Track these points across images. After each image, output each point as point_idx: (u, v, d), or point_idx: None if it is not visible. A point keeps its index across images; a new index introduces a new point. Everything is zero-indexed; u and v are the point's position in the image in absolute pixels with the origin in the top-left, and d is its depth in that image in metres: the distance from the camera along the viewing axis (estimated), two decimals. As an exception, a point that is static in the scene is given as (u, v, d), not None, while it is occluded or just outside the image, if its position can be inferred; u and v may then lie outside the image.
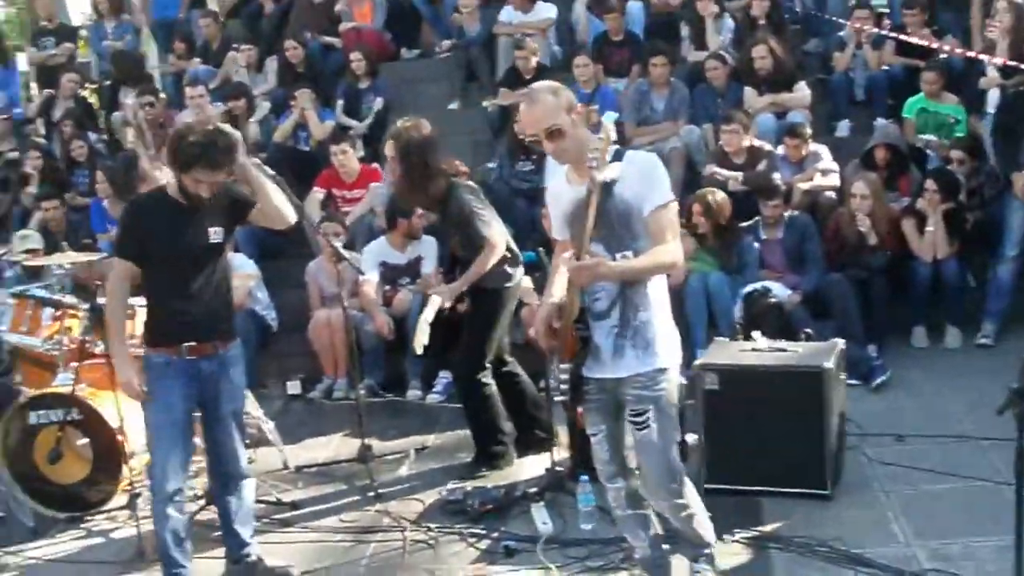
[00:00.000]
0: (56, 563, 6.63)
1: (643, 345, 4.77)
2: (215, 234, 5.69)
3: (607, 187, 4.59)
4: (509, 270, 7.16)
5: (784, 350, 6.66)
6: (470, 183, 7.23)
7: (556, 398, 7.32)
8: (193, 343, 5.66)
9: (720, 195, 9.10)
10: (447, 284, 7.50)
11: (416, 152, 6.94)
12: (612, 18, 12.37)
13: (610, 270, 4.64)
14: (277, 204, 5.89)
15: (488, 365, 7.24)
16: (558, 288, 4.91)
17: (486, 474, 7.21)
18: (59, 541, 6.93)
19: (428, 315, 7.23)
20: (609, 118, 4.56)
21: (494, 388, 7.28)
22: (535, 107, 4.74)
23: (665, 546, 5.27)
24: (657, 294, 4.82)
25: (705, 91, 11.38)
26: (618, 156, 4.69)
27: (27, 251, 10.27)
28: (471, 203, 7.03)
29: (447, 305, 7.28)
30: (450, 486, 6.99)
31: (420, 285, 9.28)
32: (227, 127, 5.77)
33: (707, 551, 5.21)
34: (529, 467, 7.27)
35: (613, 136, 4.57)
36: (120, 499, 7.12)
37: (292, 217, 5.97)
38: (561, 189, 4.93)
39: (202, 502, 6.93)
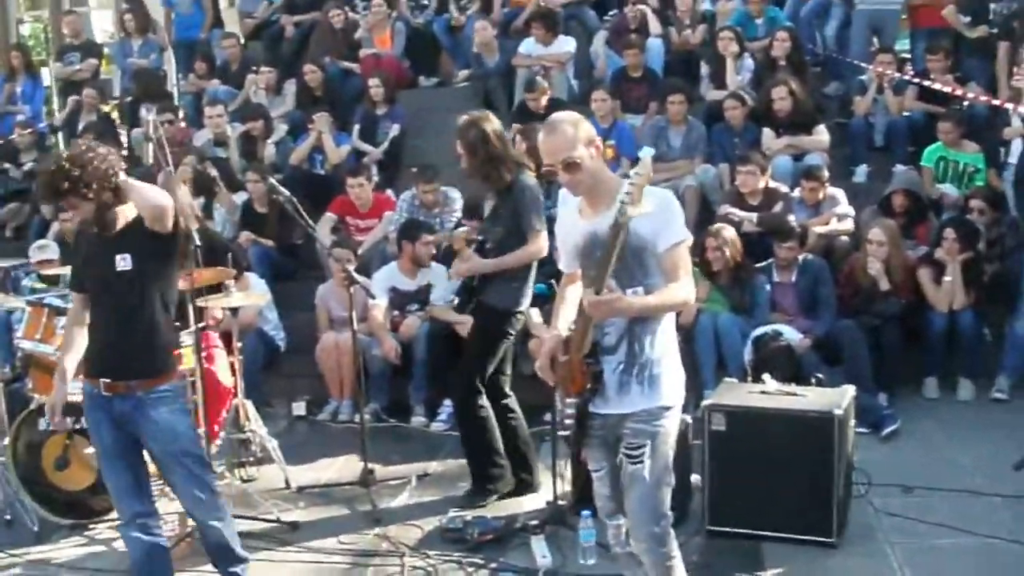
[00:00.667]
0: (57, 567, 6.65)
1: (649, 382, 4.70)
2: (122, 261, 5.32)
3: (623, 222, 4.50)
4: (522, 295, 7.08)
5: (794, 394, 6.59)
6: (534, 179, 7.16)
7: (560, 433, 7.27)
8: (108, 379, 5.41)
9: (730, 230, 9.06)
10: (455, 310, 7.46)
11: (482, 144, 6.92)
12: (632, 54, 12.39)
13: (628, 305, 4.55)
14: (146, 198, 5.32)
15: (483, 388, 7.17)
16: (563, 321, 4.87)
17: (485, 503, 7.15)
18: (61, 547, 6.96)
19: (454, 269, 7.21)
20: (646, 153, 4.49)
21: (490, 411, 7.22)
22: (554, 137, 4.69)
23: None
24: (665, 331, 4.77)
25: (723, 130, 11.36)
26: None
27: (43, 261, 10.31)
28: (535, 194, 6.99)
29: (460, 275, 7.25)
30: (450, 514, 6.94)
31: (428, 313, 9.28)
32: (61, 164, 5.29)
33: None
34: (530, 500, 7.23)
35: (651, 173, 4.46)
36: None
37: (161, 201, 5.33)
38: (572, 220, 4.88)
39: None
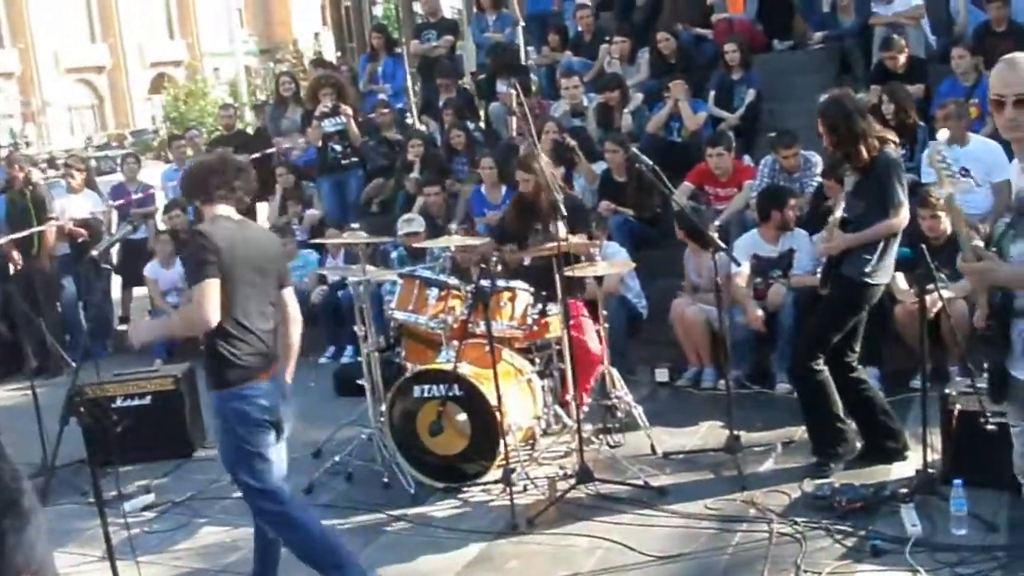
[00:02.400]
0: (433, 528, 6.96)
1: None
2: None
3: None
4: (877, 265, 6.93)
5: None
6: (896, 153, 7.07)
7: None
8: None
9: None
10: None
11: (844, 122, 6.85)
12: (995, 7, 11.76)
13: (1001, 276, 4.41)
14: None
15: (822, 355, 7.11)
16: None
17: (831, 472, 7.10)
18: (436, 508, 7.27)
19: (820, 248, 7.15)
20: (942, 135, 4.33)
21: (828, 375, 7.15)
22: (1013, 71, 4.38)
23: None
24: None
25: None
26: None
27: (409, 234, 10.78)
28: (898, 167, 6.92)
29: (829, 252, 7.13)
30: (804, 482, 6.97)
31: (790, 282, 9.22)
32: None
33: None
34: (899, 468, 7.12)
35: (942, 155, 4.37)
36: (495, 473, 7.40)
37: None
38: (1015, 172, 4.68)
39: (572, 481, 7.14)
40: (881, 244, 6.93)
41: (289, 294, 6.03)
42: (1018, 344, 4.61)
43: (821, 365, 7.13)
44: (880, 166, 6.84)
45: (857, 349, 7.33)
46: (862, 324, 7.27)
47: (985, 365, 4.94)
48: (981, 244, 4.53)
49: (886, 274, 7.07)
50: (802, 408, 7.46)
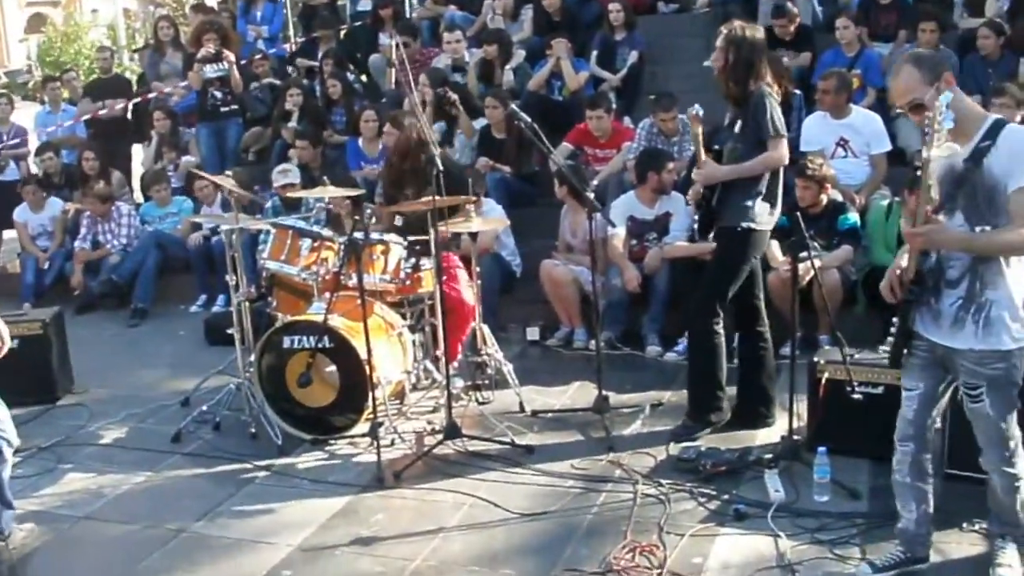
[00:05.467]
0: (299, 479, 6.90)
1: (984, 323, 4.74)
2: None
3: (977, 159, 4.60)
4: (759, 210, 6.93)
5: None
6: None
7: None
8: None
9: None
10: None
11: (745, 49, 6.82)
12: (880, -22, 11.98)
13: (948, 239, 4.66)
14: None
15: (720, 312, 7.14)
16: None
17: (700, 435, 7.15)
18: (303, 461, 7.21)
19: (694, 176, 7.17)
20: (946, 98, 4.46)
21: (722, 340, 7.19)
22: (897, 80, 4.80)
23: (931, 526, 5.29)
24: (1013, 274, 4.75)
25: (976, 60, 10.97)
26: (996, 129, 4.64)
27: (285, 185, 10.66)
28: (775, 103, 6.86)
29: (700, 185, 7.09)
30: (670, 444, 7.02)
31: (663, 252, 9.24)
32: None
33: (1018, 531, 5.17)
34: (764, 434, 7.20)
35: (941, 115, 4.43)
36: (363, 427, 7.34)
37: None
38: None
39: (440, 436, 7.13)
40: (761, 188, 6.92)
41: None
42: (948, 313, 4.81)
43: (719, 328, 7.14)
44: (756, 98, 6.81)
45: (761, 297, 7.36)
46: (758, 270, 7.33)
47: (892, 330, 5.04)
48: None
49: (770, 219, 7.03)
50: (689, 368, 7.51)
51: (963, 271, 4.76)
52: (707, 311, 7.14)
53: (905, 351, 5.00)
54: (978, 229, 4.66)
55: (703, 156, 7.00)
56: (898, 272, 4.90)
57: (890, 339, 5.12)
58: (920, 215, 4.61)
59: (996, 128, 4.64)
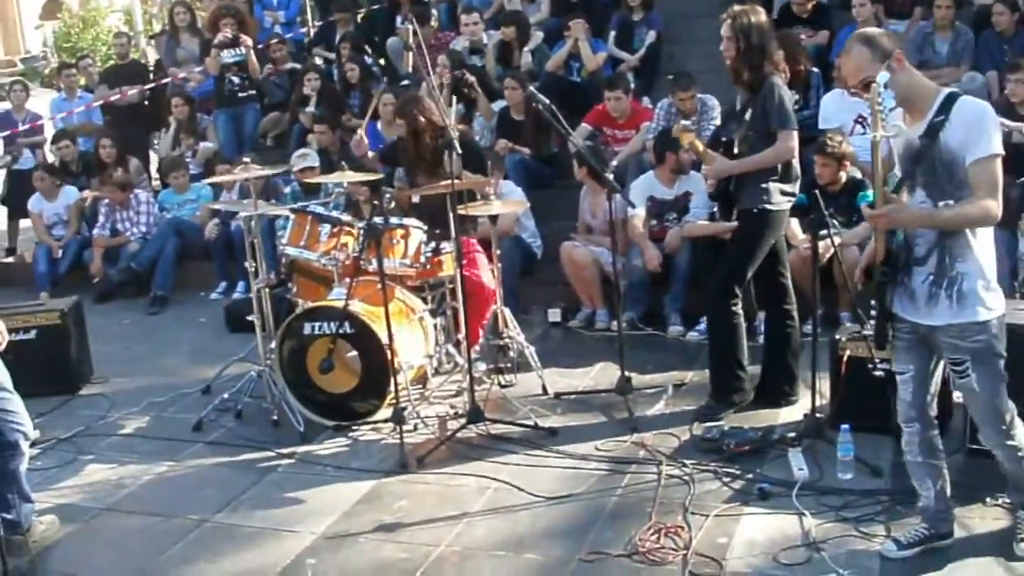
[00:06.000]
0: (322, 466, 6.89)
1: (958, 296, 4.76)
2: None
3: (933, 134, 4.62)
4: (775, 192, 6.93)
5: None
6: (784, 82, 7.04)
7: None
8: None
9: None
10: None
11: (755, 35, 6.79)
12: (895, -44, 11.90)
13: (910, 217, 4.68)
14: None
15: (739, 293, 7.12)
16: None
17: (724, 416, 7.12)
18: (326, 447, 7.20)
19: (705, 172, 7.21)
20: (882, 79, 4.52)
21: (741, 319, 7.18)
22: (848, 59, 4.85)
23: (952, 501, 5.29)
24: (980, 245, 4.78)
25: (991, 37, 10.91)
26: (949, 102, 4.67)
27: (303, 169, 10.64)
28: (786, 95, 6.86)
29: (710, 179, 7.17)
30: (694, 425, 7.01)
31: (683, 231, 9.19)
32: None
33: None
34: (787, 412, 7.18)
35: (881, 97, 4.51)
36: (385, 412, 7.33)
37: None
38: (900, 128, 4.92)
39: (463, 420, 7.13)
40: (776, 170, 6.92)
41: None
42: (921, 291, 4.83)
43: (738, 308, 7.14)
44: (767, 88, 6.80)
45: (787, 274, 7.35)
46: (783, 248, 7.33)
47: (872, 312, 5.03)
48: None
49: (786, 199, 7.02)
50: (709, 349, 7.50)
51: (930, 247, 4.79)
52: (725, 292, 7.13)
53: (890, 333, 5.00)
54: (941, 204, 4.70)
55: (708, 153, 6.99)
56: (867, 254, 5.00)
57: (871, 322, 5.12)
58: (877, 195, 4.66)
59: (949, 102, 4.67)
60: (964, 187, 4.64)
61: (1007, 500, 5.50)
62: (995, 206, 4.64)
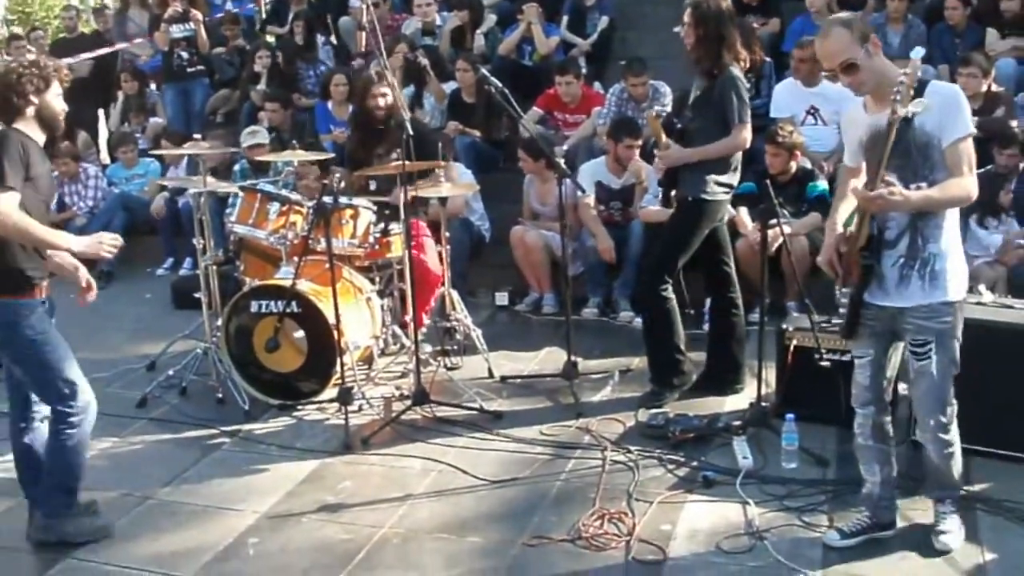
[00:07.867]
0: (266, 445, 6.86)
1: (930, 277, 4.81)
2: None
3: (907, 118, 4.62)
4: (711, 181, 6.92)
5: (1010, 306, 6.38)
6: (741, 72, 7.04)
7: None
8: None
9: None
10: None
11: (715, 22, 6.77)
12: (849, -53, 11.95)
13: (904, 200, 4.65)
14: None
15: (669, 279, 7.11)
16: (841, 215, 5.04)
17: (666, 401, 7.14)
18: (270, 426, 7.18)
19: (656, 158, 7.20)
20: (916, 54, 4.57)
21: (674, 303, 7.17)
22: (827, 41, 4.82)
23: (896, 490, 5.34)
24: (949, 227, 4.84)
25: (943, 30, 10.98)
26: (921, 87, 4.68)
27: (253, 146, 10.57)
28: (743, 86, 6.86)
29: (660, 167, 7.17)
30: (651, 411, 6.98)
31: (642, 215, 9.20)
32: None
33: (955, 494, 5.26)
34: (732, 401, 7.21)
35: (919, 72, 4.57)
36: (331, 392, 7.32)
37: None
38: (858, 116, 4.99)
39: (408, 402, 7.10)
40: (720, 162, 6.93)
41: None
42: (892, 274, 4.87)
43: (669, 292, 7.12)
44: (725, 79, 6.80)
45: (731, 263, 7.35)
46: (726, 236, 7.32)
47: (843, 300, 5.06)
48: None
49: (722, 190, 7.01)
50: (644, 335, 7.47)
51: (901, 230, 4.83)
52: (656, 278, 7.13)
53: (856, 323, 5.04)
54: (913, 186, 4.72)
55: (664, 140, 6.99)
56: (838, 246, 4.96)
57: (841, 311, 5.14)
58: (880, 177, 4.65)
59: (921, 87, 4.67)
60: (938, 168, 4.70)
61: (926, 495, 5.51)
62: (974, 183, 4.73)
